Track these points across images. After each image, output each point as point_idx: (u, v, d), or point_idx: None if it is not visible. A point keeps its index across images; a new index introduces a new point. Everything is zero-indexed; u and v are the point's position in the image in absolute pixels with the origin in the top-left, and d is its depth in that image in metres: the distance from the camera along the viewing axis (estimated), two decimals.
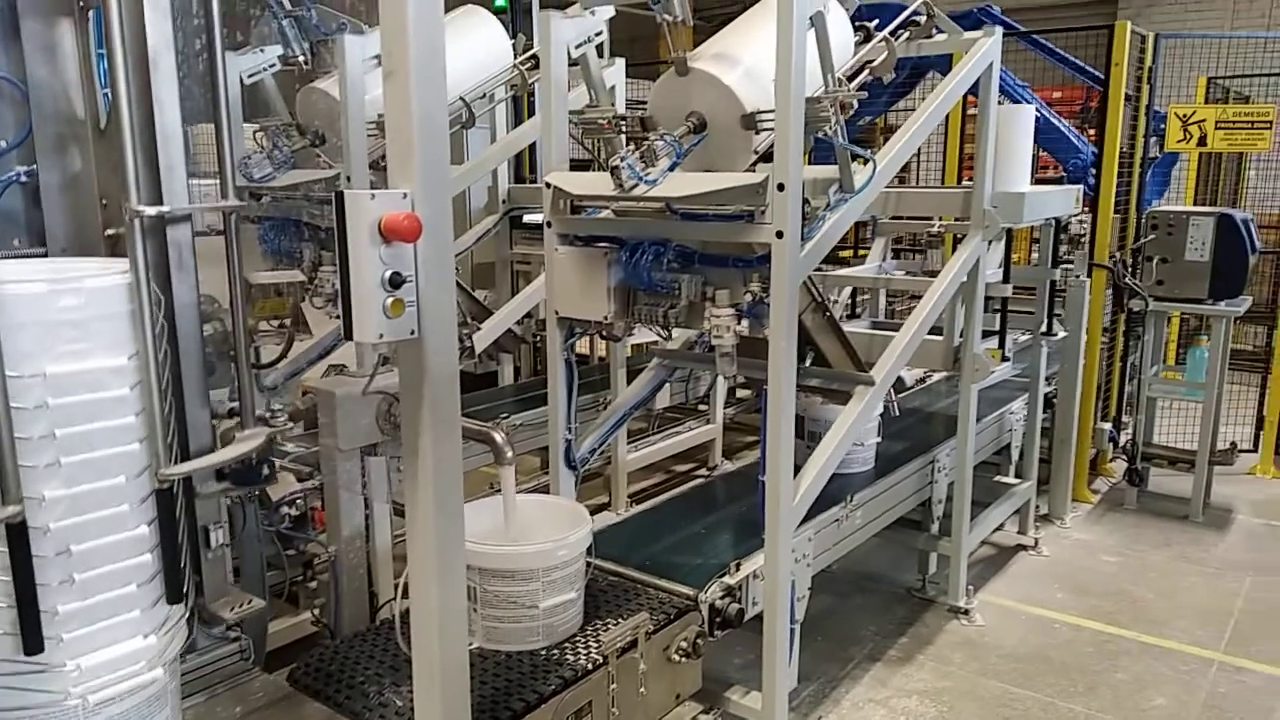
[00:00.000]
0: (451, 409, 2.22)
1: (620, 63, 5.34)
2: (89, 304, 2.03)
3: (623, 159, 3.17)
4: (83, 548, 2.05)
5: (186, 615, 2.36)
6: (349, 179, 4.37)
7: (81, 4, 2.47)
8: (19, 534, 1.93)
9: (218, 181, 2.71)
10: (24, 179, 2.47)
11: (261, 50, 4.94)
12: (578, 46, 4.12)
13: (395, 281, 2.06)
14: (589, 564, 3.20)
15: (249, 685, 2.83)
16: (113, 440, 2.08)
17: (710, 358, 3.66)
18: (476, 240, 5.99)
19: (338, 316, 4.85)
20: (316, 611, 3.59)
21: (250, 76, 4.99)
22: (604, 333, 3.90)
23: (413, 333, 2.12)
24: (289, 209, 4.69)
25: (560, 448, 3.89)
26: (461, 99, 4.84)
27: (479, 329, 5.15)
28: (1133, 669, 4.12)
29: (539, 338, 6.10)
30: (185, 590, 2.28)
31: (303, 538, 3.73)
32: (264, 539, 3.20)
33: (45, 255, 2.49)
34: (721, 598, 3.27)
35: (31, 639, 1.98)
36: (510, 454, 3.07)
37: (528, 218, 6.21)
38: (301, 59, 4.61)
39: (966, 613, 4.54)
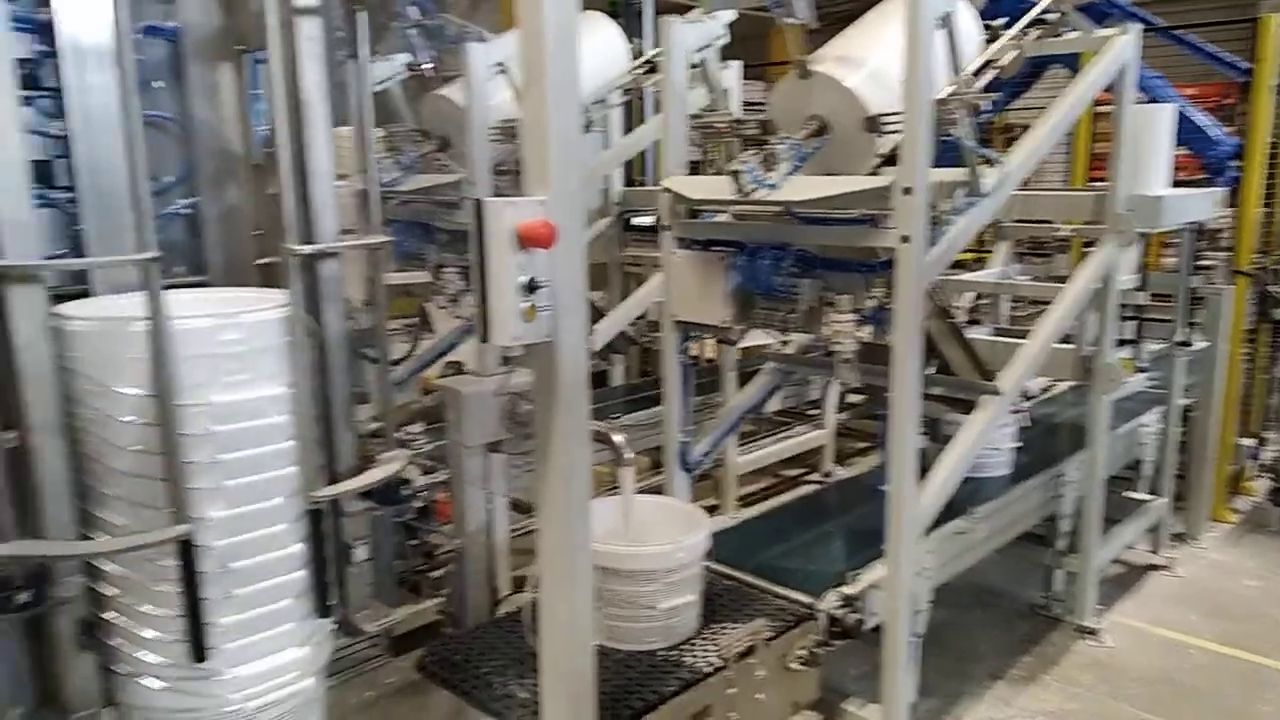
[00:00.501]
0: (582, 411, 2.26)
1: (737, 65, 5.32)
2: (250, 337, 2.16)
3: (744, 163, 3.16)
4: (242, 564, 2.19)
5: (332, 628, 2.48)
6: (471, 184, 4.49)
7: (239, 49, 2.63)
8: (186, 551, 2.06)
9: (354, 183, 2.84)
10: (186, 211, 2.64)
11: (389, 59, 5.12)
12: (698, 51, 4.15)
13: (531, 287, 2.11)
14: (706, 567, 3.21)
15: (380, 671, 2.94)
16: (270, 464, 2.21)
17: (828, 363, 3.62)
18: (589, 243, 6.05)
19: (458, 316, 5.02)
20: (442, 601, 3.70)
21: (379, 84, 5.17)
22: (720, 337, 3.90)
23: (547, 336, 2.16)
24: (415, 212, 4.85)
25: (675, 450, 3.91)
26: None
27: (592, 330, 5.21)
28: None
29: (651, 339, 6.13)
30: (331, 604, 2.39)
31: (428, 529, 3.86)
32: (393, 532, 3.32)
33: (206, 284, 2.64)
34: (840, 607, 3.23)
35: (198, 648, 2.12)
36: (630, 455, 3.12)
37: (638, 220, 6.24)
38: (428, 66, 4.76)
39: (1094, 633, 4.36)
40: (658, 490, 4.06)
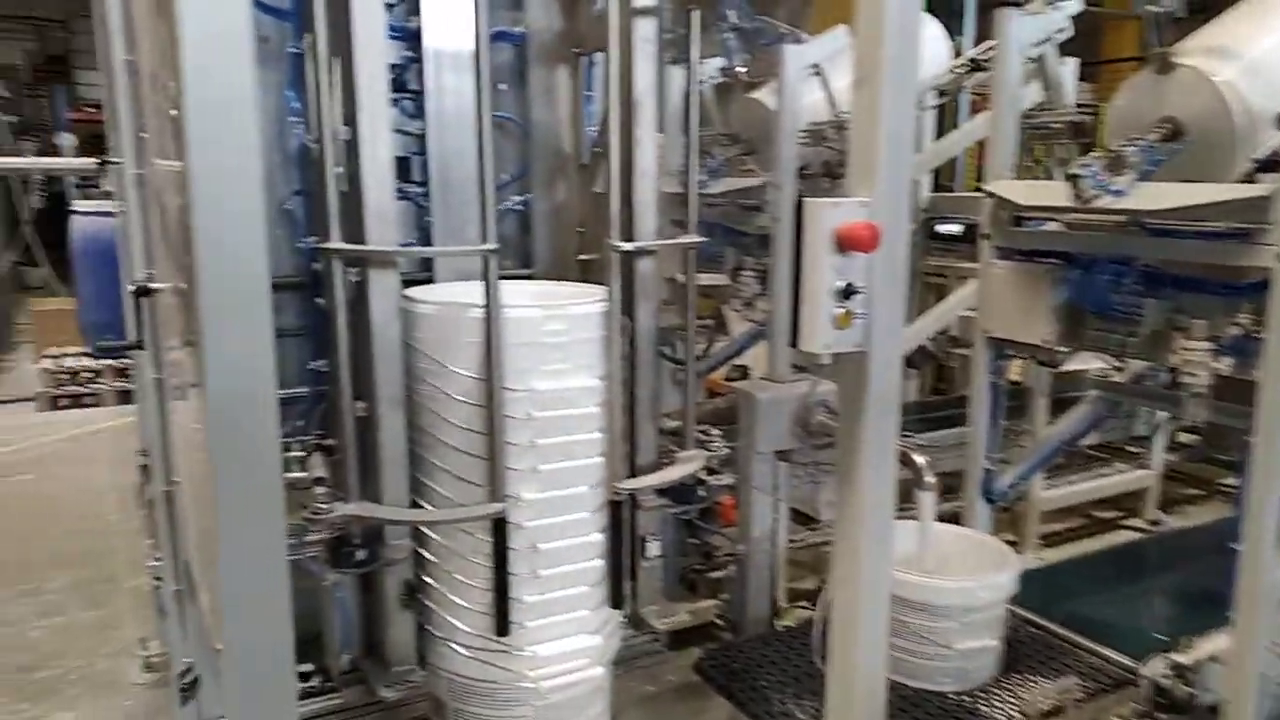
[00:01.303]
0: (890, 428, 2.12)
1: (1073, 62, 4.86)
2: (571, 329, 2.23)
3: (1085, 166, 2.86)
4: (547, 546, 2.26)
5: (621, 620, 2.52)
6: (777, 186, 4.44)
7: (576, 52, 2.75)
8: (500, 528, 2.17)
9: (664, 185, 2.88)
10: (520, 207, 2.79)
11: (703, 64, 5.19)
12: (1035, 45, 3.83)
13: (847, 292, 2.01)
14: (1009, 610, 2.94)
15: (660, 666, 2.97)
16: (580, 452, 2.28)
17: (1170, 396, 3.20)
18: None
19: (751, 320, 4.99)
20: (721, 607, 3.68)
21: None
22: (1039, 357, 3.57)
23: (859, 345, 2.05)
24: (718, 215, 4.89)
25: (979, 477, 3.63)
26: None
27: None
28: None
29: (951, 356, 5.78)
30: (623, 596, 2.43)
31: (710, 530, 3.87)
32: (678, 529, 3.34)
33: (531, 276, 2.79)
34: (1169, 676, 2.82)
35: (502, 622, 2.22)
36: (931, 478, 2.93)
37: (944, 228, 5.91)
38: (741, 70, 4.77)
39: None
40: (952, 518, 3.80)
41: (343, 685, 2.36)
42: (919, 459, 2.94)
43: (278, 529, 1.65)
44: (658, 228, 2.54)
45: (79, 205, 4.83)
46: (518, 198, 2.78)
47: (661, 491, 2.54)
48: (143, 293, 2.42)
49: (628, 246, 2.30)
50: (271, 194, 2.51)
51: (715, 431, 2.68)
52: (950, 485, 4.18)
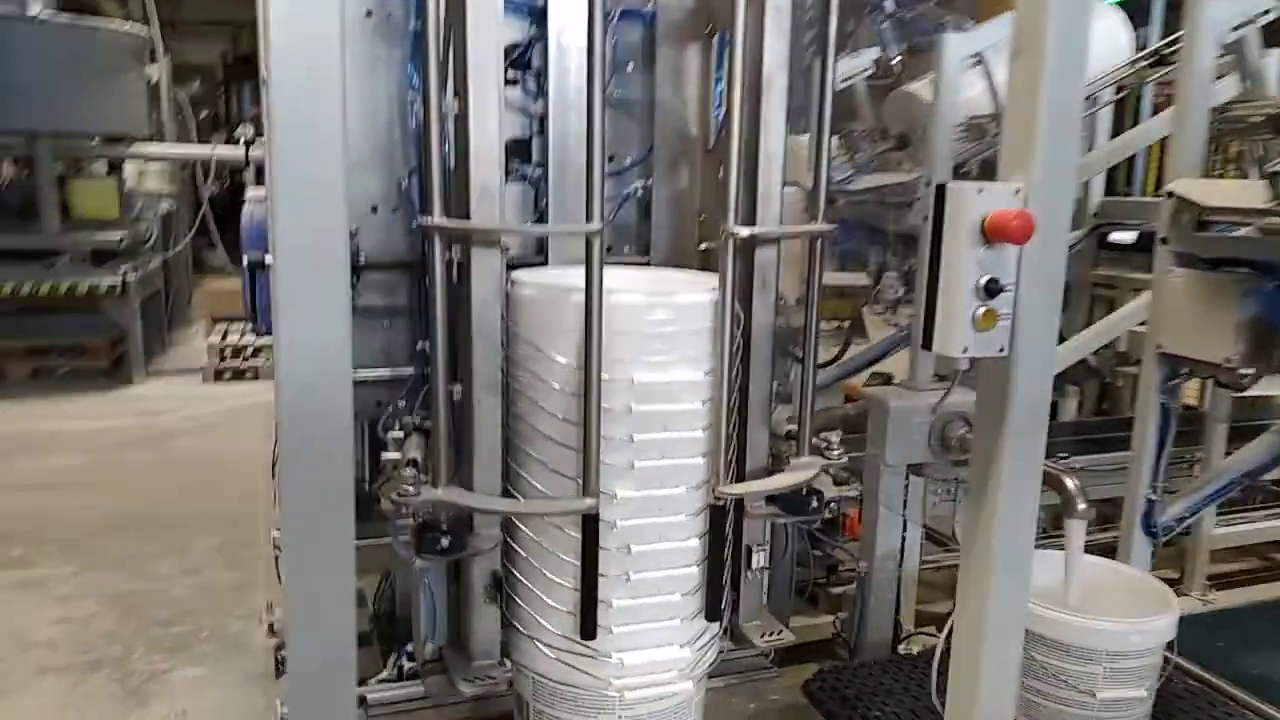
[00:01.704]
0: (1036, 447, 1.89)
1: (1278, 54, 4.33)
2: (678, 318, 2.09)
3: None
4: (641, 548, 2.13)
5: (719, 634, 2.37)
6: (929, 183, 4.18)
7: (708, 31, 2.60)
8: (591, 525, 2.05)
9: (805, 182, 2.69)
10: (640, 193, 2.67)
11: (856, 55, 4.95)
12: (1233, 30, 3.42)
13: (991, 289, 1.78)
14: (1167, 660, 2.60)
15: (766, 684, 2.80)
16: (681, 451, 2.13)
17: None
18: None
19: (894, 324, 4.72)
20: (837, 625, 3.47)
21: (843, 82, 5.03)
22: (1220, 378, 3.17)
23: (1002, 350, 1.82)
24: (862, 213, 4.65)
25: (1139, 508, 3.26)
26: None
27: None
28: None
29: (1118, 374, 5.32)
30: (722, 609, 2.28)
31: (832, 542, 3.65)
32: (797, 539, 3.15)
33: (648, 264, 2.67)
34: None
35: (588, 624, 2.10)
36: (1084, 506, 2.62)
37: (1116, 236, 5.45)
38: (896, 62, 4.52)
39: None
40: (1105, 551, 3.44)
41: (426, 674, 2.31)
42: (1070, 482, 2.64)
43: (346, 521, 1.59)
44: (783, 217, 2.37)
45: (251, 191, 5.09)
46: (640, 183, 2.66)
47: (771, 499, 2.36)
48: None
49: (745, 232, 2.14)
50: (391, 172, 2.50)
51: (835, 438, 2.46)
52: (1107, 514, 3.81)
